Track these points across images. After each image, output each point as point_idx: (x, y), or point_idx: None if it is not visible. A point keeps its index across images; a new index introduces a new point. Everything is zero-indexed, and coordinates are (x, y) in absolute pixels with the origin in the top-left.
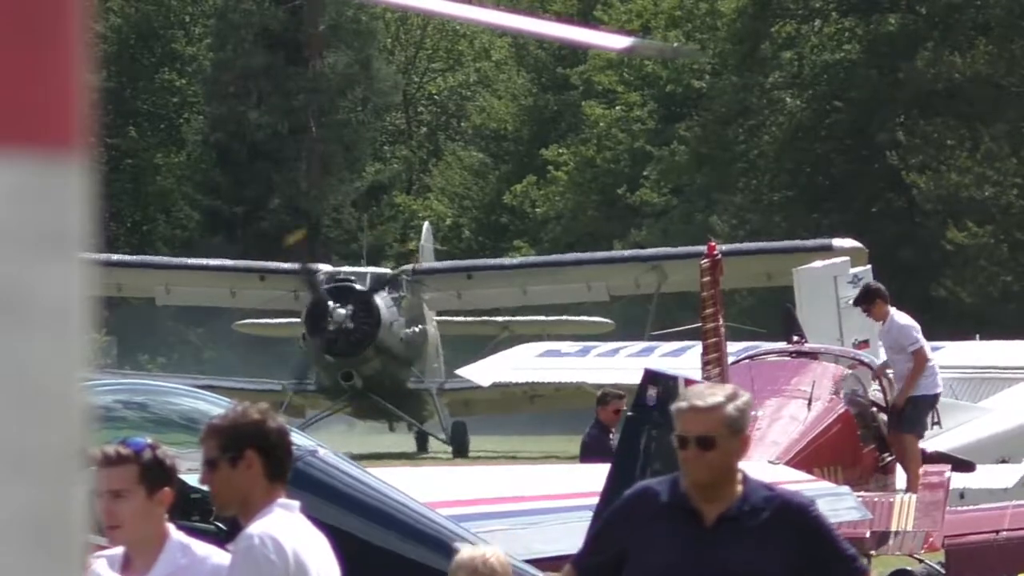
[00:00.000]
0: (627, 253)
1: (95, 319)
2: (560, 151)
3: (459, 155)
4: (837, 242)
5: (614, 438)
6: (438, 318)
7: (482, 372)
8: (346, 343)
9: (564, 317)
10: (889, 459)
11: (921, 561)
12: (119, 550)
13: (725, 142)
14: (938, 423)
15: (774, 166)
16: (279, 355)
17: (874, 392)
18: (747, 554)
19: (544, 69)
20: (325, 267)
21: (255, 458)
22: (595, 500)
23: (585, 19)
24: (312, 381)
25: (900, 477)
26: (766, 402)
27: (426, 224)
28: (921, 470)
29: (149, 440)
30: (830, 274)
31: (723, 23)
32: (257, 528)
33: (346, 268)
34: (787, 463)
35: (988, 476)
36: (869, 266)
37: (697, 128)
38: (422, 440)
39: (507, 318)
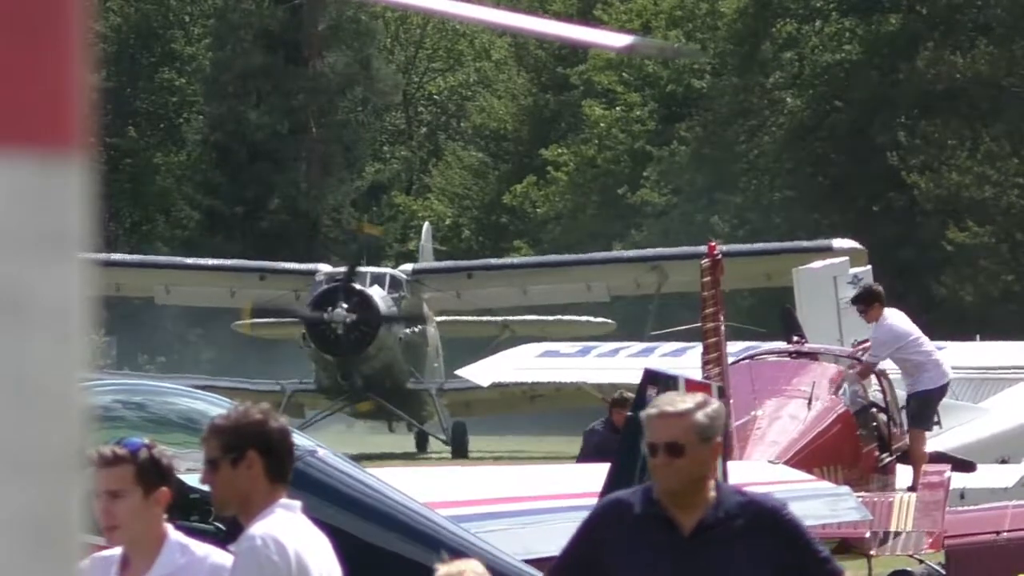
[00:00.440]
0: (627, 253)
1: (95, 319)
2: (560, 151)
3: (459, 155)
4: (837, 242)
5: None
6: (438, 318)
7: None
8: (346, 343)
9: (564, 317)
10: (889, 459)
11: (921, 562)
12: (117, 550)
13: (725, 142)
14: (939, 423)
15: (774, 166)
16: (279, 355)
17: (874, 392)
18: (727, 561)
19: (544, 69)
20: (324, 267)
21: (257, 459)
22: (595, 500)
23: (585, 19)
24: (312, 381)
25: (901, 477)
26: (766, 402)
27: (426, 224)
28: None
29: (145, 440)
30: (830, 274)
31: (724, 23)
32: (259, 529)
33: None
34: (787, 463)
35: (988, 476)
36: (869, 266)
37: (698, 128)
38: (422, 440)
39: (507, 318)
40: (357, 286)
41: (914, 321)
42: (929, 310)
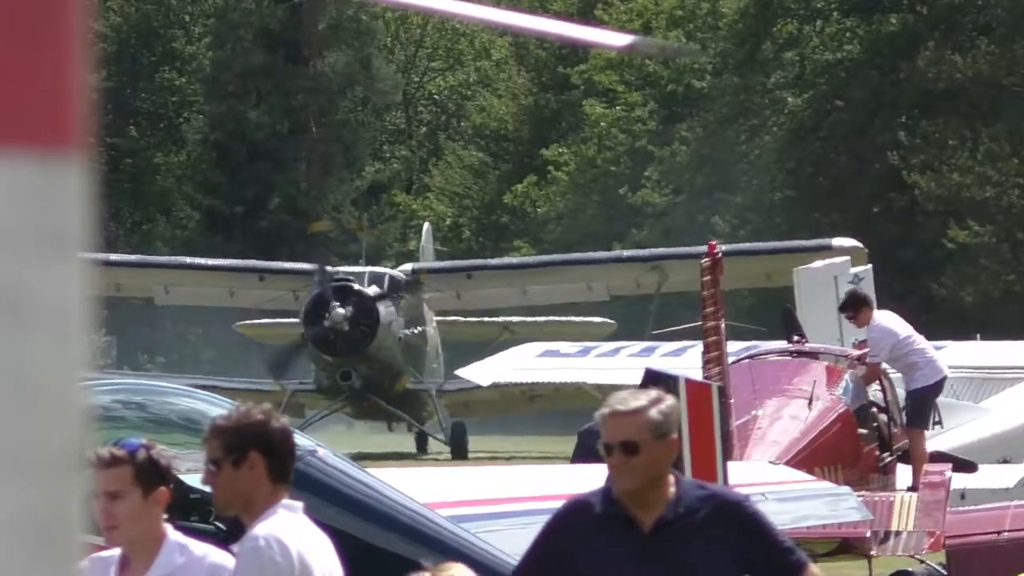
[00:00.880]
0: (627, 253)
1: (95, 319)
2: (560, 151)
3: (459, 155)
4: (837, 242)
5: None
6: (438, 318)
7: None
8: (345, 343)
9: (565, 317)
10: (889, 459)
11: (922, 562)
12: (117, 551)
13: (726, 142)
14: (940, 423)
15: (775, 166)
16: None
17: (874, 392)
18: (689, 556)
19: (544, 68)
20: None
21: (259, 459)
22: None
23: (585, 18)
24: (311, 381)
25: (901, 477)
26: (766, 402)
27: (426, 224)
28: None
29: (144, 440)
30: (830, 274)
31: (724, 23)
32: (262, 530)
33: (343, 268)
34: (787, 463)
35: (989, 476)
36: (869, 266)
37: (698, 128)
38: (421, 441)
39: (507, 318)
40: (356, 286)
41: (914, 321)
42: (929, 310)
